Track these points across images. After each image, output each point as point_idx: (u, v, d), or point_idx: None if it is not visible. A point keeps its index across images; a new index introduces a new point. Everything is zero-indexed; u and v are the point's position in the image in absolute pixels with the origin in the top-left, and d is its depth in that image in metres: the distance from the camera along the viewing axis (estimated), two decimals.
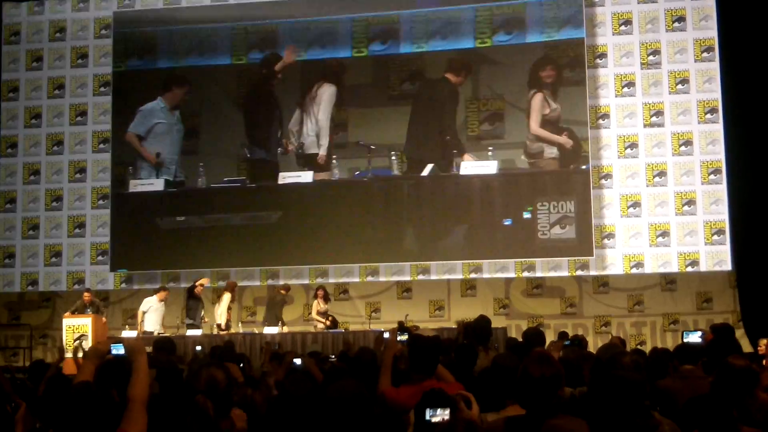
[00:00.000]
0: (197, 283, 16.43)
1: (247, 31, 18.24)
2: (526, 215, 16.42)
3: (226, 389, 4.56)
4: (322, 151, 17.25)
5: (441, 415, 3.56)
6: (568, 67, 16.97)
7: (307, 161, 17.36)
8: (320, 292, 16.47)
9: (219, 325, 16.12)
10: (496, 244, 16.74)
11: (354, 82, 17.77)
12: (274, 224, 17.13)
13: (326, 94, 17.38)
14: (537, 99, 16.75)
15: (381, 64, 17.84)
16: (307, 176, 17.02)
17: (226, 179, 17.41)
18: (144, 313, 16.41)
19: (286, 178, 17.08)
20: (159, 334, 15.64)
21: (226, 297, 16.37)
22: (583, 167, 16.53)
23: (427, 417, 3.55)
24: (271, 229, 17.15)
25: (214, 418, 3.92)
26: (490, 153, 16.74)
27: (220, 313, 16.26)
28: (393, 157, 17.05)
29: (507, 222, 16.50)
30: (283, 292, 16.69)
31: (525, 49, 17.05)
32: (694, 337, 6.27)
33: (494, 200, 16.73)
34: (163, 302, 16.56)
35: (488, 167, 16.64)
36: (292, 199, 17.08)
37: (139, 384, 4.37)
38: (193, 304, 16.42)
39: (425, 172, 16.65)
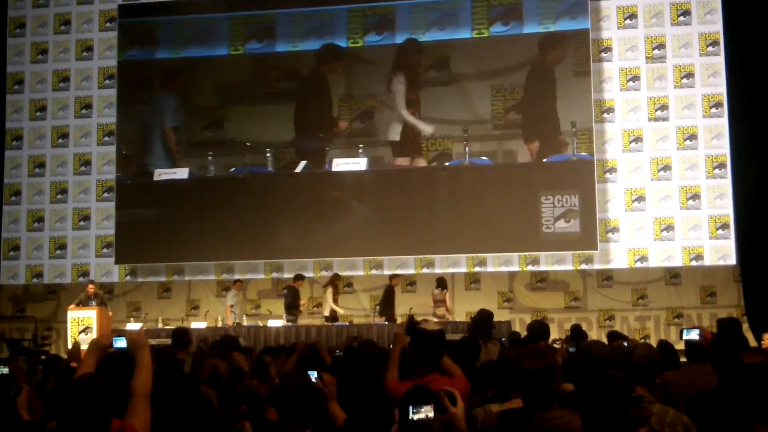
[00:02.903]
0: (296, 279, 16.49)
1: (247, 22, 18.31)
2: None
3: (228, 380, 4.57)
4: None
5: (424, 412, 3.55)
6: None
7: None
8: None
9: (326, 317, 16.21)
10: (500, 238, 16.73)
11: (232, 80, 18.22)
12: (281, 216, 17.17)
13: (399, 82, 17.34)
14: None
15: (260, 62, 18.16)
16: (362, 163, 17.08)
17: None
18: (231, 306, 16.47)
19: (339, 165, 17.18)
20: (237, 324, 15.97)
21: (330, 290, 16.37)
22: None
23: (411, 414, 3.54)
24: (276, 221, 17.18)
25: (217, 408, 3.93)
26: (360, 150, 17.06)
27: (327, 305, 16.31)
28: (268, 154, 17.40)
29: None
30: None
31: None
32: (693, 335, 6.26)
33: (487, 194, 16.87)
34: (238, 293, 16.82)
35: (359, 164, 16.98)
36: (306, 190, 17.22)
37: (142, 378, 4.37)
38: (290, 296, 16.38)
39: (298, 168, 17.14)
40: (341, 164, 17.03)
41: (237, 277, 17.48)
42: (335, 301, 16.37)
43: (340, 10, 17.87)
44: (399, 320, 16.09)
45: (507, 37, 17.15)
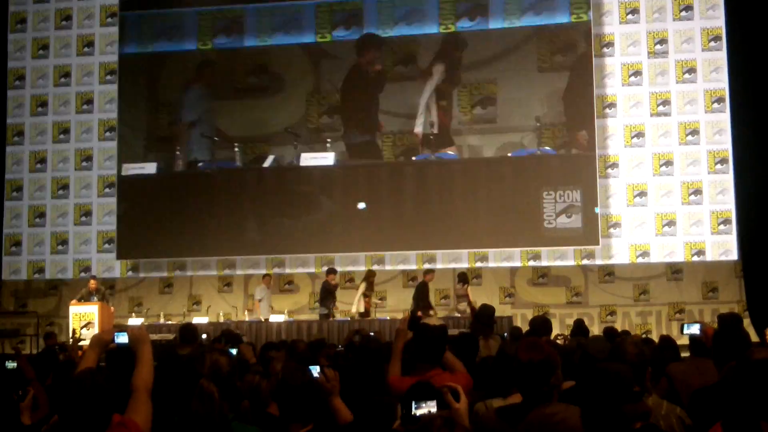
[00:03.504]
0: (328, 273, 16.38)
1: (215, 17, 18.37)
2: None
3: (229, 374, 4.57)
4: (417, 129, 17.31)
5: (427, 407, 3.54)
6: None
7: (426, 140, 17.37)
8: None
9: (360, 313, 16.09)
10: (502, 234, 16.73)
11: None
12: (282, 212, 17.18)
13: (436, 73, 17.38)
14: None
15: (228, 57, 18.22)
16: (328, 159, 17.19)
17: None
18: (259, 301, 16.50)
19: (307, 159, 17.25)
20: (266, 320, 15.96)
21: (362, 286, 16.32)
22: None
23: (413, 410, 3.54)
24: (277, 217, 17.20)
25: (219, 402, 3.93)
26: (328, 144, 17.19)
27: (356, 301, 16.25)
28: (236, 149, 17.58)
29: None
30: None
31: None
32: (694, 330, 6.24)
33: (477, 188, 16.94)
34: (269, 288, 16.79)
35: (327, 158, 17.11)
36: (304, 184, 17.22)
37: (143, 373, 4.37)
38: (325, 293, 16.28)
39: (266, 163, 17.28)
40: (309, 159, 17.19)
41: (238, 272, 17.51)
42: (367, 296, 16.26)
43: (308, 5, 17.95)
44: (389, 316, 16.15)
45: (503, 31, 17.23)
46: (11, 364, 6.23)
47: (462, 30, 17.37)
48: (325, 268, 16.78)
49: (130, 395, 4.22)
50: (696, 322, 6.61)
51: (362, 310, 16.08)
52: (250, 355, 7.08)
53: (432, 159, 16.97)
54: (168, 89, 18.50)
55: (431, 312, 15.74)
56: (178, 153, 17.81)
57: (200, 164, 17.75)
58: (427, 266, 16.91)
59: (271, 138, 17.80)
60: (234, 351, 7.33)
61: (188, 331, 9.35)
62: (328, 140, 17.30)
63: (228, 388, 4.39)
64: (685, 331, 6.30)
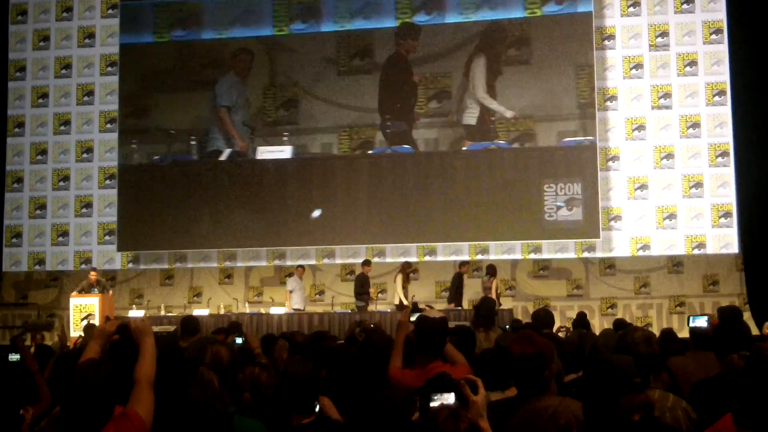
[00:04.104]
0: (363, 264, 16.42)
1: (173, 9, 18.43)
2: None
3: (230, 366, 4.57)
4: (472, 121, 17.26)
5: (445, 399, 3.54)
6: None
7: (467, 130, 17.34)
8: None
9: (396, 305, 16.08)
10: (503, 226, 16.73)
11: (157, 68, 18.34)
12: (282, 204, 17.19)
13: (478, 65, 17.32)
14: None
15: (184, 49, 18.30)
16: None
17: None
18: (291, 292, 16.51)
19: (264, 153, 17.40)
20: (296, 310, 16.07)
21: (399, 278, 16.27)
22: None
23: (431, 402, 3.54)
24: (278, 209, 17.20)
25: (219, 390, 3.93)
26: (285, 138, 17.34)
27: (398, 293, 16.22)
28: (192, 142, 17.67)
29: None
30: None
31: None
32: (701, 322, 6.24)
33: (461, 180, 16.94)
34: (301, 279, 16.82)
35: (283, 152, 17.26)
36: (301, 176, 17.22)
37: (146, 365, 4.38)
38: (359, 283, 16.31)
39: (223, 156, 17.55)
40: (265, 152, 17.37)
41: (239, 264, 17.49)
42: (405, 288, 16.26)
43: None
44: (389, 308, 16.17)
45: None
46: (14, 357, 6.23)
47: (419, 24, 17.41)
48: (325, 260, 16.79)
49: (133, 387, 4.23)
50: (703, 314, 6.61)
51: (404, 301, 16.04)
52: (256, 345, 7.09)
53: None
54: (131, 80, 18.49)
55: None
56: (193, 143, 17.80)
57: (156, 158, 17.88)
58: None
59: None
60: (240, 340, 7.35)
61: (190, 322, 9.36)
62: (285, 134, 17.42)
63: (229, 380, 4.40)
64: (692, 323, 6.29)
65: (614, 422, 3.61)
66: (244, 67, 18.05)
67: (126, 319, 5.44)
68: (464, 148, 17.10)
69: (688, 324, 6.37)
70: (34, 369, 6.13)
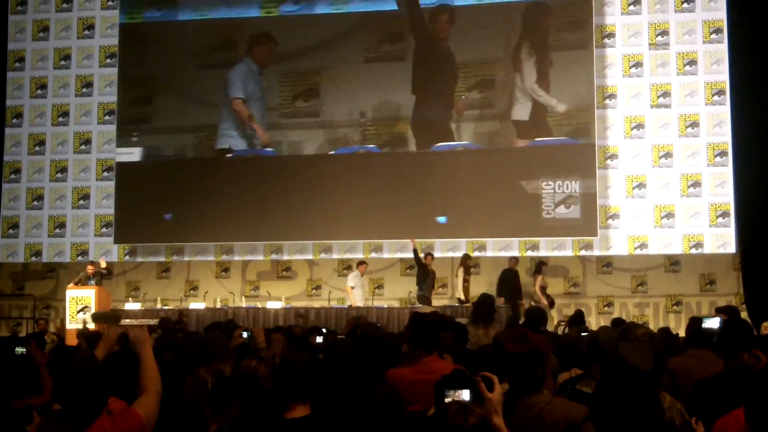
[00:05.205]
0: (426, 255, 16.20)
1: None
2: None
3: (212, 392, 4.60)
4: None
5: (460, 395, 3.54)
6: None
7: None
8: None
9: (459, 299, 15.96)
10: (500, 223, 16.72)
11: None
12: (280, 198, 17.17)
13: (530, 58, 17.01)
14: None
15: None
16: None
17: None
18: (352, 288, 16.20)
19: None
20: (353, 306, 15.77)
21: (460, 272, 16.14)
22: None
23: (446, 397, 3.54)
24: (276, 203, 17.17)
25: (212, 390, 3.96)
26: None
27: (459, 286, 16.15)
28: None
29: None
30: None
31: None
32: (713, 323, 6.14)
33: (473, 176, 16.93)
34: (363, 276, 16.45)
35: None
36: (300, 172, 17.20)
37: (149, 375, 4.45)
38: (423, 276, 16.10)
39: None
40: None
41: (236, 257, 17.48)
42: (466, 281, 16.15)
43: None
44: (387, 304, 16.18)
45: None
46: (20, 350, 6.25)
47: (285, 14, 17.27)
48: (323, 255, 16.78)
49: (139, 392, 4.32)
50: (718, 314, 6.57)
51: (462, 296, 15.99)
52: (261, 339, 7.12)
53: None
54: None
55: (520, 302, 15.65)
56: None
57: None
58: (511, 254, 16.75)
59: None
60: (245, 334, 7.38)
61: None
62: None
63: (213, 405, 4.40)
64: (705, 324, 6.21)
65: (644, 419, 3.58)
66: (265, 54, 17.65)
67: (125, 328, 5.47)
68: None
69: (701, 325, 6.26)
70: (40, 361, 6.17)
